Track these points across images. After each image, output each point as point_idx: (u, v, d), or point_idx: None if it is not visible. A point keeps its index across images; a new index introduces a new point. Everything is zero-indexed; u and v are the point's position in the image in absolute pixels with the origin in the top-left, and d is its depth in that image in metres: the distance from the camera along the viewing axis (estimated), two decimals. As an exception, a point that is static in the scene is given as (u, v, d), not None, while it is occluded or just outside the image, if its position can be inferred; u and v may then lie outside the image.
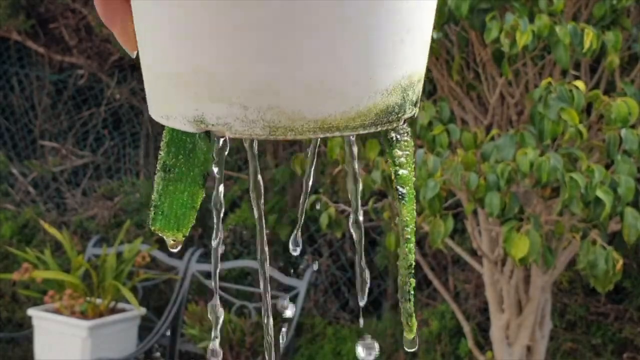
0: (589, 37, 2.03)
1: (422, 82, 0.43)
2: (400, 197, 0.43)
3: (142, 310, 3.32)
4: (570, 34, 2.03)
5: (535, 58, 2.38)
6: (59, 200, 4.59)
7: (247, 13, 0.37)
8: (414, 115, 0.42)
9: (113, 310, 3.31)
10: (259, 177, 0.44)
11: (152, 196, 0.44)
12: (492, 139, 2.18)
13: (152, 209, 0.44)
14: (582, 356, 3.25)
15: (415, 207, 0.44)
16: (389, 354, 3.41)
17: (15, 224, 4.27)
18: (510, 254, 2.05)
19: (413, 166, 0.43)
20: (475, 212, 2.49)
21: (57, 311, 3.26)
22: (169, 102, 0.41)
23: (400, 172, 0.43)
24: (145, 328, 3.42)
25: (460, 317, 2.78)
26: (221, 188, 0.42)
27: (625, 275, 3.07)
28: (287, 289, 3.42)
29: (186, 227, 0.44)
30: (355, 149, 0.44)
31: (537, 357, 2.54)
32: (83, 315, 3.23)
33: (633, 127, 2.04)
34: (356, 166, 0.45)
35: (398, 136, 0.42)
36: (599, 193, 1.93)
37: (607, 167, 2.08)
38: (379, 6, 0.38)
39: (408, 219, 0.43)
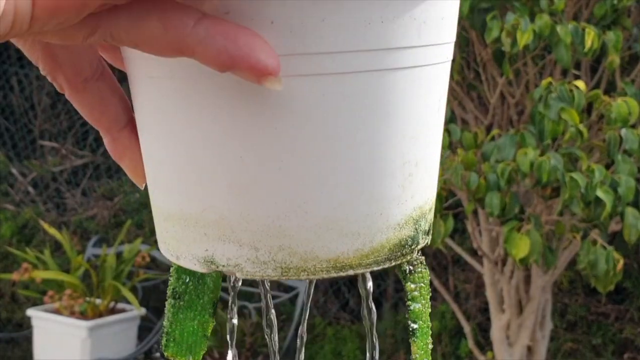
0: (590, 37, 2.03)
1: (434, 209, 0.42)
2: (412, 333, 0.42)
3: (142, 311, 3.31)
4: (572, 33, 2.03)
5: (535, 58, 2.38)
6: (58, 200, 4.59)
7: (253, 154, 0.37)
8: (427, 244, 0.41)
9: (113, 311, 3.30)
10: (272, 311, 0.44)
11: (164, 322, 0.44)
12: (493, 138, 2.18)
13: (163, 335, 0.43)
14: (583, 356, 3.25)
15: (429, 342, 0.42)
16: (389, 354, 3.40)
17: (14, 224, 4.27)
18: (510, 254, 2.05)
19: (429, 297, 0.42)
20: (475, 212, 2.49)
21: (56, 311, 3.26)
22: (178, 242, 0.40)
23: (413, 306, 0.42)
24: (145, 328, 3.42)
25: (460, 317, 2.78)
26: (235, 321, 0.42)
27: (625, 276, 3.07)
28: (287, 289, 3.42)
29: (198, 354, 0.43)
30: (370, 287, 0.42)
31: (538, 358, 2.53)
32: (83, 315, 3.22)
33: (633, 126, 2.04)
34: (372, 305, 0.43)
35: (411, 268, 0.41)
36: (600, 193, 1.93)
37: (608, 167, 2.08)
38: (386, 145, 0.38)
39: (418, 356, 0.42)
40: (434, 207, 0.42)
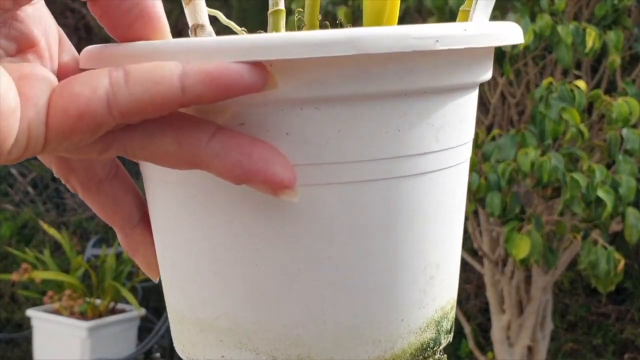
0: (591, 37, 2.02)
1: (455, 307, 0.41)
2: None
3: (142, 311, 3.31)
4: (572, 33, 2.03)
5: (536, 58, 2.37)
6: (58, 200, 4.59)
7: (269, 262, 0.36)
8: (449, 342, 0.40)
9: (112, 311, 3.30)
10: None
11: None
12: (493, 138, 2.18)
13: None
14: (583, 357, 3.25)
15: None
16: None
17: (14, 224, 4.27)
18: (511, 255, 2.04)
19: None
20: (476, 212, 2.48)
21: (56, 312, 3.25)
22: (193, 345, 0.39)
23: None
24: (144, 329, 3.41)
25: (460, 317, 2.77)
26: None
27: (626, 276, 3.07)
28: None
29: None
30: None
31: (538, 358, 2.53)
32: (82, 315, 3.22)
33: (634, 126, 2.04)
34: None
35: None
36: (600, 193, 1.93)
37: (609, 167, 2.07)
38: (406, 250, 0.37)
39: None
40: (455, 304, 0.41)
